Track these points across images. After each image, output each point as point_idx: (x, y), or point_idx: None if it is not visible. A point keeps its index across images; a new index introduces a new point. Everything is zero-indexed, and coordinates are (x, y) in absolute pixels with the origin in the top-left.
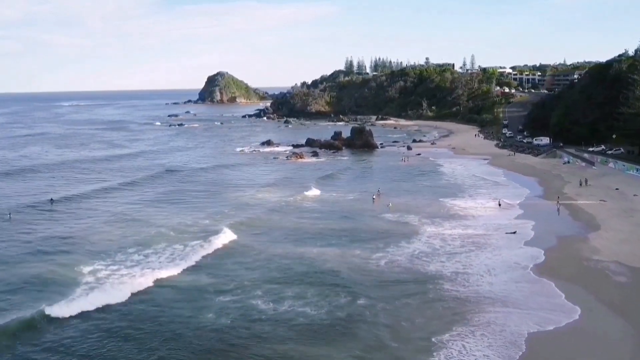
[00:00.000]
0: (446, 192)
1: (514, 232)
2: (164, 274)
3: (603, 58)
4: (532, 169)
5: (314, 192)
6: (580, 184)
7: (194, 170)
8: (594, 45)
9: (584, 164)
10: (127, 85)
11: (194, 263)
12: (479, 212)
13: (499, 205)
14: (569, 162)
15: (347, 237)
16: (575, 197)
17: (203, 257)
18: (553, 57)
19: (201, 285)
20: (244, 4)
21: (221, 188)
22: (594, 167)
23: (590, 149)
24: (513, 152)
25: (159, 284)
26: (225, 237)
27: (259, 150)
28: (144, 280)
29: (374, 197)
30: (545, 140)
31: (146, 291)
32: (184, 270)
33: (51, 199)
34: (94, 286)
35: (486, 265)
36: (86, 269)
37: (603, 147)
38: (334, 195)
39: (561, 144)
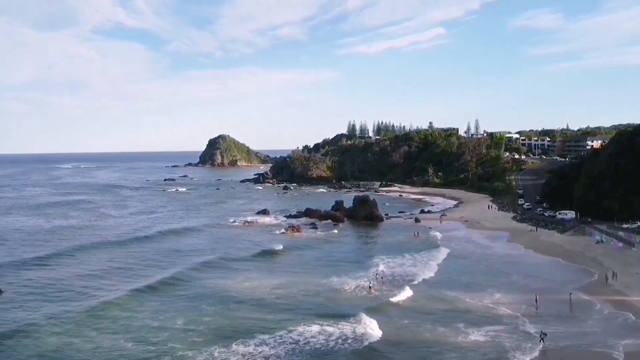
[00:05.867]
0: (462, 281)
1: (542, 339)
2: None
3: (607, 123)
4: (561, 250)
5: (299, 279)
6: (607, 279)
7: (162, 253)
8: (593, 112)
9: (620, 244)
10: (131, 147)
11: None
12: (508, 311)
13: (536, 301)
14: (602, 241)
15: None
16: (624, 290)
17: None
18: (556, 122)
19: None
20: (248, 69)
21: (195, 275)
22: (633, 248)
23: (625, 226)
24: (535, 228)
25: None
26: None
27: (253, 222)
28: None
29: (370, 285)
30: (570, 214)
31: None
32: None
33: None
34: None
35: None
36: None
37: (639, 223)
38: (323, 281)
39: (589, 219)
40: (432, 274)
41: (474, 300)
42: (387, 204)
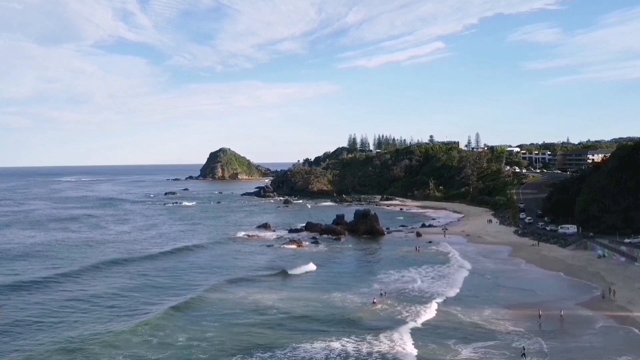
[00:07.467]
0: (463, 295)
1: (524, 355)
2: None
3: (608, 137)
4: (563, 264)
5: (301, 295)
6: (604, 296)
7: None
8: (593, 125)
9: (622, 259)
10: (132, 160)
11: None
12: (510, 327)
13: (539, 316)
14: (604, 255)
15: None
16: (627, 305)
17: None
18: (556, 135)
19: None
20: (248, 83)
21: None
22: (636, 263)
23: (627, 241)
24: (537, 242)
25: None
26: None
27: (254, 236)
28: None
29: (375, 300)
30: (572, 228)
31: None
32: None
33: None
34: None
35: None
36: None
37: None
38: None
39: (591, 234)
40: (436, 289)
41: (471, 315)
42: (389, 217)
